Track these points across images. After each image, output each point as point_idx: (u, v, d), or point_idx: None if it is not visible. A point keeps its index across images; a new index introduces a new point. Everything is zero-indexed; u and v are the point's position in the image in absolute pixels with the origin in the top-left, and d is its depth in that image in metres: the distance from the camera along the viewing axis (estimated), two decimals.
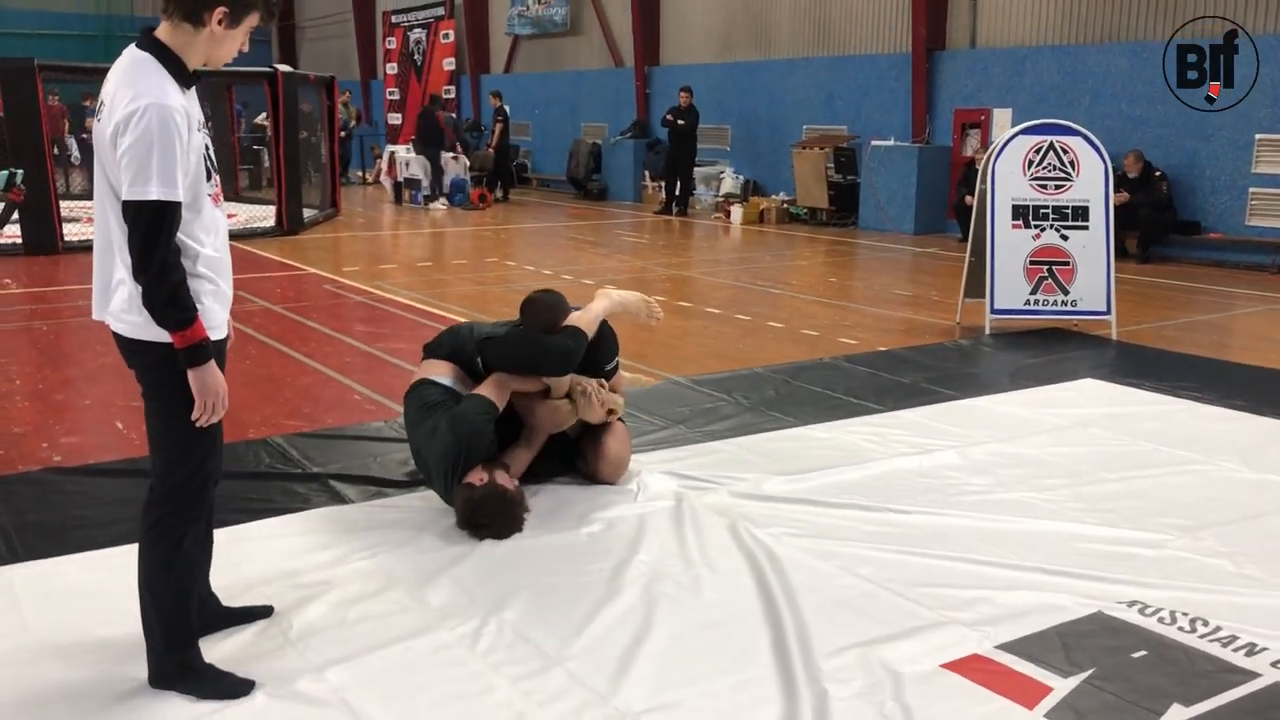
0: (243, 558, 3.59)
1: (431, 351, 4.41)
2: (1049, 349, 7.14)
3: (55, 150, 18.65)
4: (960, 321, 7.95)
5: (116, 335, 2.71)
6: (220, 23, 2.61)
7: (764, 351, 7.12)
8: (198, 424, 2.63)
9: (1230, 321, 8.74)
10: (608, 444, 4.36)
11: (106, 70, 2.67)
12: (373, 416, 5.43)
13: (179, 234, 2.55)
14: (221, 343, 2.74)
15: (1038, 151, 7.48)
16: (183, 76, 2.61)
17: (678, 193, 16.55)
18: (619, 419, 4.44)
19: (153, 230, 2.49)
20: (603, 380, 4.31)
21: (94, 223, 2.72)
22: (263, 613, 3.20)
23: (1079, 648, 3.09)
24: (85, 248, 11.66)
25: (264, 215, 14.14)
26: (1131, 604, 3.37)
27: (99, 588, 3.35)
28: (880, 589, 3.46)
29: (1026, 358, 6.88)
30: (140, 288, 2.52)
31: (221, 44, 2.66)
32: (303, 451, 4.74)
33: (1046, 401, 5.82)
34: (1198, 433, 5.24)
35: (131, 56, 2.60)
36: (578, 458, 4.44)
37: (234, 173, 18.30)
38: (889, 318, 8.45)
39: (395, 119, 25.55)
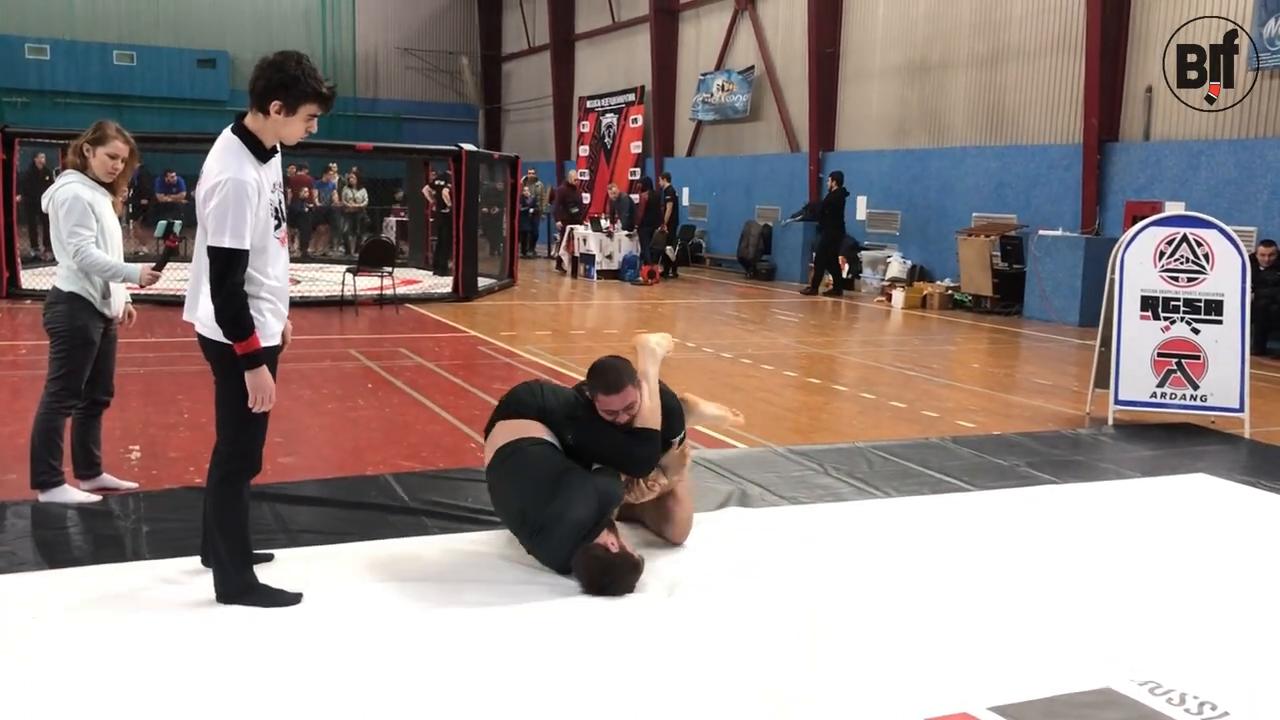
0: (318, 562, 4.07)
1: (519, 413, 4.39)
2: (1171, 443, 6.96)
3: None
4: (1090, 412, 7.84)
5: (199, 336, 3.56)
6: (279, 112, 3.46)
7: (875, 429, 7.23)
8: (253, 410, 3.51)
9: None
10: (674, 511, 4.60)
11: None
12: (480, 462, 5.87)
13: (250, 267, 3.43)
14: (275, 349, 3.63)
15: (1170, 243, 7.37)
16: (259, 152, 3.49)
17: (826, 274, 16.92)
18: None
19: (225, 267, 3.38)
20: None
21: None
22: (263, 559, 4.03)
23: (1073, 717, 3.16)
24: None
25: (444, 283, 15.14)
26: (1144, 683, 3.39)
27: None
28: (885, 637, 3.60)
29: (1143, 449, 6.74)
30: (214, 306, 3.41)
31: (284, 128, 3.50)
32: (406, 488, 5.22)
33: (1141, 492, 5.74)
34: None
35: (225, 139, 3.47)
36: (645, 514, 4.71)
37: (426, 244, 19.52)
38: (1018, 404, 8.39)
39: (584, 198, 26.71)
